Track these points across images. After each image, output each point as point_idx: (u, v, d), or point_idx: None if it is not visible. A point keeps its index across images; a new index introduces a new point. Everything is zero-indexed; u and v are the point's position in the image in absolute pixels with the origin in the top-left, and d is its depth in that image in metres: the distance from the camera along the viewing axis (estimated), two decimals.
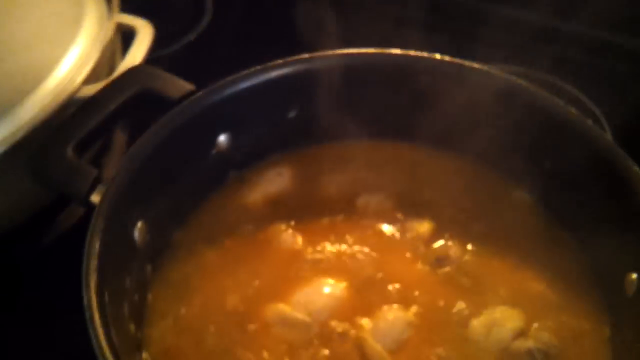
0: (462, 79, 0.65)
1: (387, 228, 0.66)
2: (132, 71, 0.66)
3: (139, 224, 0.59)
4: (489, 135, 0.66)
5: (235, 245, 0.65)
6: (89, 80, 0.68)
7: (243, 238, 0.66)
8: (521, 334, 0.57)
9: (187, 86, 0.66)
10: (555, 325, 0.57)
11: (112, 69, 0.74)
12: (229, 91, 0.65)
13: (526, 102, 0.63)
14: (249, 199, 0.69)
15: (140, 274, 0.60)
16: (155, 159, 0.60)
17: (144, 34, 0.75)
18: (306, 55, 0.68)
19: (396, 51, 0.68)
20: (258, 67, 0.67)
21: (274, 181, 0.71)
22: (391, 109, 0.70)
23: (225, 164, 0.70)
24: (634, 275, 0.53)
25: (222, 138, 0.68)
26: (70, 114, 0.62)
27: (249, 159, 0.72)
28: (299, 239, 0.65)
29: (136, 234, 0.59)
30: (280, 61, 0.67)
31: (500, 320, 0.57)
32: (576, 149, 0.61)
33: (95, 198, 0.56)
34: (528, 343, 0.55)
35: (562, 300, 0.59)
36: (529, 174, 0.66)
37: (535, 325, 0.57)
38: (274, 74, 0.67)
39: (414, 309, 0.59)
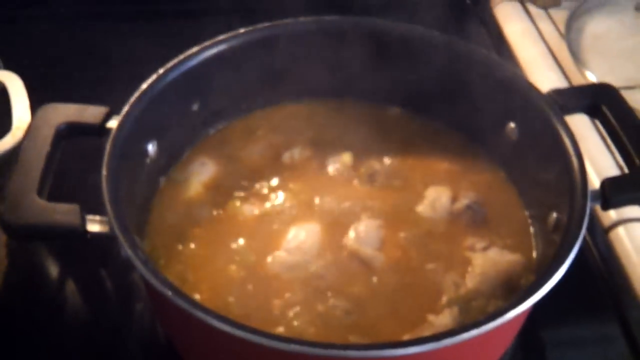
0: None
1: (318, 169, 0.78)
2: (46, 111, 0.66)
3: None
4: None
5: (205, 232, 0.71)
6: None
7: (209, 223, 0.72)
8: (455, 199, 0.74)
9: (102, 109, 0.68)
10: (471, 184, 0.76)
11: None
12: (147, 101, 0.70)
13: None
14: (191, 193, 0.75)
15: None
16: None
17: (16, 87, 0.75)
18: (195, 49, 0.75)
19: None
20: (160, 71, 0.72)
21: (202, 171, 0.78)
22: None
23: (156, 171, 0.75)
24: (512, 124, 0.74)
25: (151, 147, 0.72)
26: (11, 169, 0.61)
27: (171, 161, 0.77)
28: (257, 204, 0.74)
29: None
30: (179, 58, 0.73)
31: (436, 197, 0.74)
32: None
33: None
34: (463, 202, 0.73)
35: (463, 167, 0.78)
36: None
37: (460, 188, 0.75)
38: (172, 75, 0.73)
39: (375, 214, 0.73)
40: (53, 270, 0.82)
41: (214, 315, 0.50)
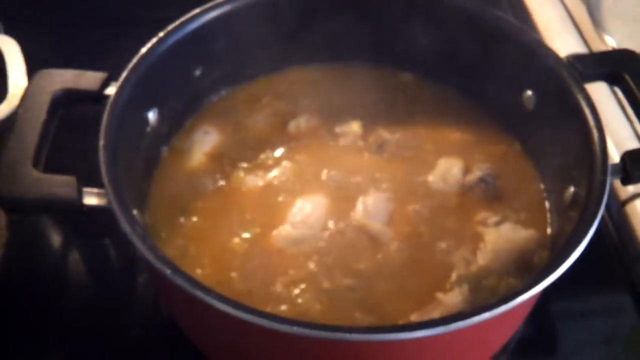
0: None
1: (326, 139, 0.75)
2: (42, 77, 0.63)
3: None
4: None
5: (208, 204, 0.69)
6: None
7: (212, 196, 0.70)
8: (467, 170, 0.71)
9: (100, 75, 0.65)
10: (484, 155, 0.73)
11: None
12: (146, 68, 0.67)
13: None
14: (194, 163, 0.73)
15: None
16: None
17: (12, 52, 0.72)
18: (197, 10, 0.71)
19: None
20: (160, 35, 0.69)
21: (205, 140, 0.75)
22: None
23: (157, 140, 0.72)
24: (530, 92, 0.70)
25: (151, 115, 0.70)
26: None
27: (172, 129, 0.74)
28: (260, 175, 0.71)
29: None
30: (180, 21, 0.70)
31: (447, 168, 0.71)
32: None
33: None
34: (476, 174, 0.70)
35: (477, 137, 0.75)
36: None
37: (473, 160, 0.72)
38: (173, 38, 0.70)
39: (383, 186, 0.70)
40: (56, 240, 0.80)
41: (214, 294, 0.48)
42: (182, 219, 0.67)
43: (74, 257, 0.79)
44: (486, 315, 0.46)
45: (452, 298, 0.59)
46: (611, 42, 0.97)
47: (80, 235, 0.79)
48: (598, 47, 0.98)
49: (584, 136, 0.60)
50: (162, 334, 0.70)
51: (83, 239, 0.79)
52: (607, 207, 0.81)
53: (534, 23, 1.05)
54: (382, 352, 0.51)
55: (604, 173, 0.56)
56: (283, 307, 0.61)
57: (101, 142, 0.57)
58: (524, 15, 1.06)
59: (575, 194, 0.61)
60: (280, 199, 0.69)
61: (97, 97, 0.63)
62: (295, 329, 0.46)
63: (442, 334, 0.46)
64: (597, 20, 1.00)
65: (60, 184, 0.56)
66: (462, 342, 0.53)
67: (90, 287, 0.76)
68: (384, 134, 0.75)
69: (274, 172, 0.71)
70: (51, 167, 0.60)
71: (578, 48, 0.98)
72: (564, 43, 0.99)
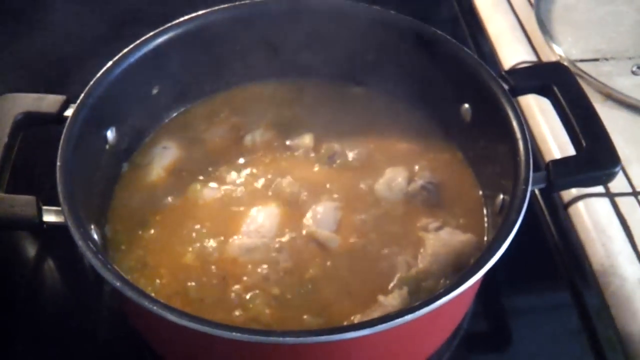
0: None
1: (279, 151, 0.79)
2: (5, 101, 0.67)
3: None
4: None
5: (166, 217, 0.73)
6: None
7: (170, 208, 0.74)
8: (411, 179, 0.75)
9: (60, 98, 0.69)
10: (428, 164, 0.77)
11: None
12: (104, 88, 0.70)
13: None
14: (153, 177, 0.77)
15: None
16: None
17: None
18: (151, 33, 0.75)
19: None
20: (116, 58, 0.72)
21: (164, 154, 0.79)
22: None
23: (117, 157, 0.76)
24: (467, 105, 0.75)
25: (110, 133, 0.73)
26: None
27: (132, 145, 0.78)
28: (217, 188, 0.75)
29: None
30: (135, 43, 0.73)
31: (392, 177, 0.76)
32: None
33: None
34: (419, 183, 0.75)
35: (422, 147, 0.79)
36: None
37: (417, 169, 0.77)
38: (129, 60, 0.73)
39: (333, 196, 0.74)
40: (30, 250, 0.84)
41: (161, 305, 0.52)
42: (140, 232, 0.71)
43: (49, 266, 0.83)
44: (409, 317, 0.50)
45: (392, 300, 0.63)
46: (558, 50, 1.01)
47: (55, 245, 0.82)
48: (547, 55, 1.03)
49: (510, 147, 0.64)
50: (127, 339, 0.73)
51: (58, 248, 0.82)
52: (552, 209, 0.86)
53: (485, 32, 1.09)
54: (314, 354, 0.55)
55: (526, 182, 0.60)
56: (237, 313, 0.65)
57: (58, 163, 0.61)
58: (477, 24, 1.11)
59: (503, 201, 0.65)
60: (235, 209, 0.73)
61: (57, 119, 0.67)
62: (234, 335, 0.50)
63: (367, 335, 0.50)
64: (546, 28, 1.05)
65: (21, 204, 0.60)
66: (393, 342, 0.57)
67: (63, 294, 0.79)
68: (335, 145, 0.79)
69: (230, 185, 0.75)
70: (15, 186, 0.64)
71: (527, 56, 1.02)
72: (514, 51, 1.04)
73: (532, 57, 1.02)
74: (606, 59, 1.01)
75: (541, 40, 1.04)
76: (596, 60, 1.00)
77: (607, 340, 0.72)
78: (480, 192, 0.74)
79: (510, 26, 1.08)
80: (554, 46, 1.02)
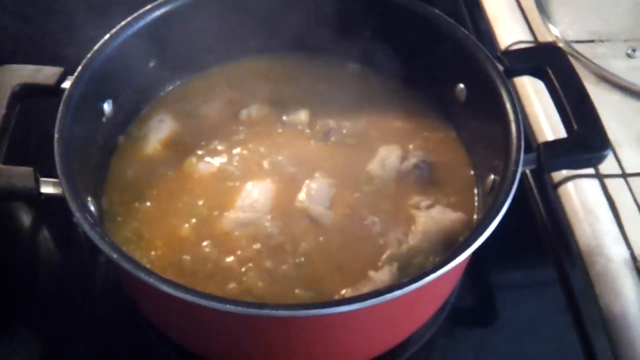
0: None
1: (275, 127, 0.80)
2: (2, 73, 0.67)
3: None
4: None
5: (162, 189, 0.74)
6: None
7: (165, 181, 0.74)
8: (404, 158, 0.76)
9: (57, 70, 0.69)
10: (421, 143, 0.78)
11: None
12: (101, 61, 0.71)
13: None
14: (149, 150, 0.77)
15: None
16: None
17: None
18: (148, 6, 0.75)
19: None
20: (113, 30, 0.73)
21: (160, 127, 0.79)
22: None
23: (113, 129, 0.76)
24: (462, 85, 0.76)
25: (106, 106, 0.74)
26: None
27: (128, 118, 0.79)
28: (212, 162, 0.76)
29: None
30: (133, 16, 0.74)
31: (386, 155, 0.77)
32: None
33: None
34: (412, 161, 0.76)
35: (417, 126, 0.80)
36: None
37: (410, 147, 0.77)
38: (126, 33, 0.73)
39: (327, 172, 0.75)
40: (26, 219, 0.85)
41: (156, 277, 0.53)
42: (136, 204, 0.72)
43: (44, 236, 0.84)
44: (397, 293, 0.52)
45: (382, 276, 0.65)
46: (554, 31, 1.02)
47: (51, 213, 0.82)
48: (544, 35, 1.03)
49: (503, 128, 0.65)
50: (122, 308, 0.75)
51: (54, 217, 0.82)
52: (542, 188, 0.87)
53: (483, 11, 1.09)
54: (305, 326, 0.57)
55: (517, 164, 0.61)
56: (230, 285, 0.66)
57: (55, 135, 0.62)
58: (475, 3, 1.11)
59: (494, 181, 0.66)
60: (230, 184, 0.74)
61: (54, 91, 0.67)
62: (228, 307, 0.51)
63: (357, 309, 0.51)
64: (543, 9, 1.05)
65: (19, 175, 0.61)
66: (382, 316, 0.59)
67: (59, 263, 0.80)
68: (330, 122, 0.80)
69: (225, 159, 0.76)
70: (14, 157, 0.64)
71: (524, 36, 1.03)
72: (510, 31, 1.04)
73: (528, 37, 1.02)
74: (602, 41, 1.02)
75: (538, 20, 1.04)
76: (592, 41, 1.01)
77: (590, 318, 0.74)
78: (472, 172, 0.75)
79: (509, 6, 1.08)
80: (551, 26, 1.02)
